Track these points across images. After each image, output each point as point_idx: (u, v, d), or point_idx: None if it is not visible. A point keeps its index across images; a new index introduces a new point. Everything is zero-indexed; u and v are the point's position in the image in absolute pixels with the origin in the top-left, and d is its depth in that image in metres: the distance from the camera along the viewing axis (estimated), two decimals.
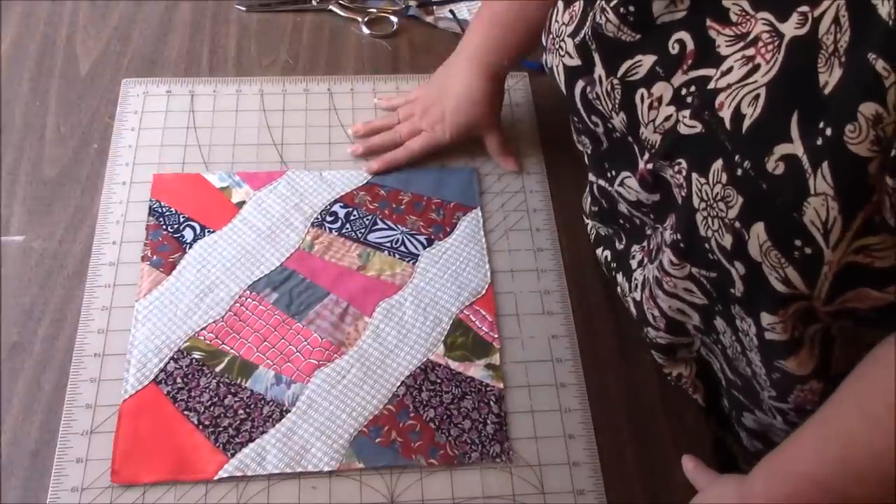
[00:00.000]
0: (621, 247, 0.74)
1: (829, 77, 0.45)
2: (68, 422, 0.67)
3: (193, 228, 0.77)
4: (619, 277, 0.74)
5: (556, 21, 0.65)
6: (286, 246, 0.77)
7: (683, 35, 0.55)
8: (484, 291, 0.76)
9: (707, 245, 0.54)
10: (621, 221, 0.72)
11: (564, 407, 0.71)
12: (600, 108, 0.62)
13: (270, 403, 0.68)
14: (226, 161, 0.82)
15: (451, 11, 0.97)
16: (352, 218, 0.79)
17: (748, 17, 0.51)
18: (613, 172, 0.67)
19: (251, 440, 0.66)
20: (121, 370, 0.69)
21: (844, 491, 0.50)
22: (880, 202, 0.43)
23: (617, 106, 0.60)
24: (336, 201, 0.80)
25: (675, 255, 0.59)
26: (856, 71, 0.43)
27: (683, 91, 0.55)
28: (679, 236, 0.58)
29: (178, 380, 0.69)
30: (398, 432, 0.68)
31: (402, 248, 0.78)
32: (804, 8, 0.47)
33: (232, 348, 0.71)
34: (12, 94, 0.86)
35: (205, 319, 0.72)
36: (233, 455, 0.66)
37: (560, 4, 0.64)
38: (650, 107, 0.57)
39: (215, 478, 0.65)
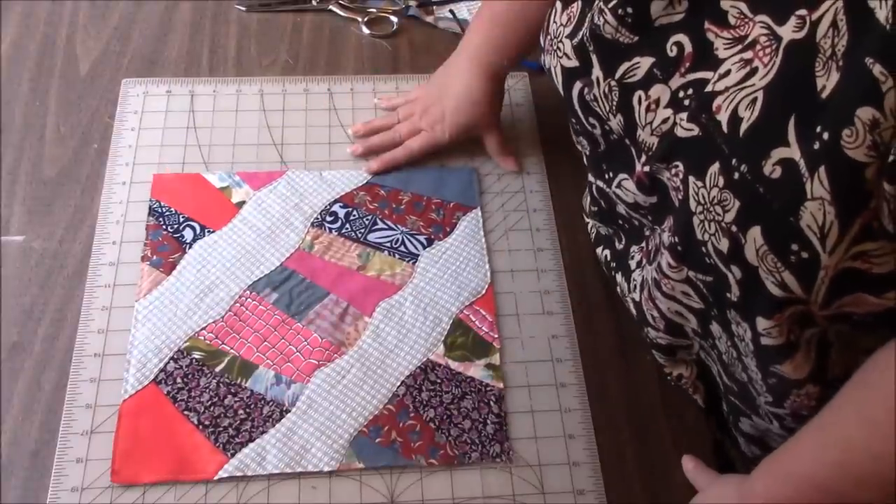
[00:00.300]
0: (621, 247, 0.74)
1: (827, 81, 0.45)
2: (68, 422, 0.67)
3: (193, 228, 0.77)
4: (619, 277, 0.74)
5: (554, 22, 0.65)
6: (286, 246, 0.77)
7: (681, 37, 0.55)
8: (484, 291, 0.76)
9: (704, 249, 0.54)
10: (620, 222, 0.72)
11: (564, 407, 0.71)
12: (598, 109, 0.62)
13: (270, 403, 0.68)
14: (226, 161, 0.82)
15: (451, 11, 0.97)
16: (352, 218, 0.79)
17: (746, 20, 0.51)
18: (611, 174, 0.67)
19: (251, 440, 0.66)
20: (121, 370, 0.69)
21: (844, 493, 0.50)
22: (878, 208, 0.43)
23: (614, 108, 0.60)
24: (336, 201, 0.80)
25: (672, 257, 0.59)
26: (853, 75, 0.43)
27: (681, 94, 0.55)
28: (677, 239, 0.58)
29: (178, 380, 0.69)
30: (398, 432, 0.68)
31: (402, 248, 0.78)
32: (802, 11, 0.47)
33: (232, 348, 0.71)
34: (12, 94, 0.86)
35: (205, 319, 0.72)
36: (233, 455, 0.66)
37: (558, 5, 0.64)
38: (647, 109, 0.57)
39: (215, 478, 0.65)
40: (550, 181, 0.84)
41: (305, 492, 0.65)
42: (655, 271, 0.63)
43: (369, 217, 0.80)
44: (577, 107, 0.65)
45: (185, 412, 0.67)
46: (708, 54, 0.53)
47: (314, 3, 0.97)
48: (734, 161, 0.49)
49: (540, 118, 0.89)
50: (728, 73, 0.51)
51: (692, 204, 0.53)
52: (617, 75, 0.59)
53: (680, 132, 0.55)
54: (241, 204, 0.79)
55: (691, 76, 0.54)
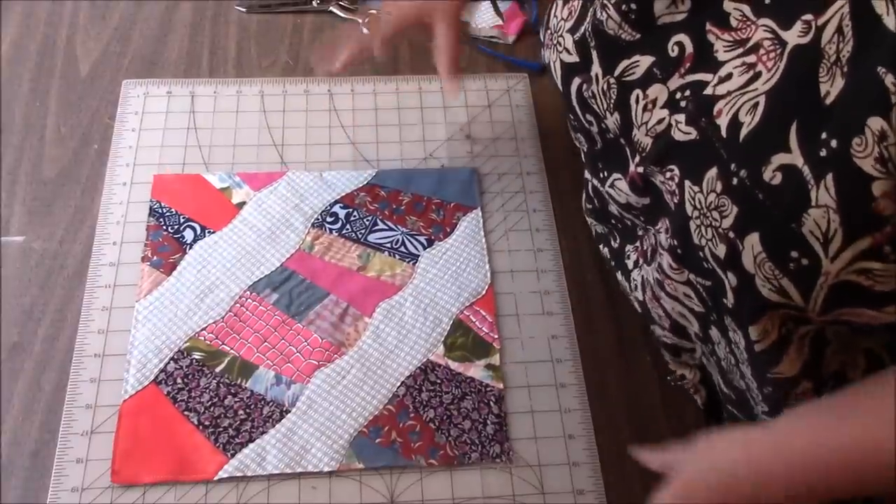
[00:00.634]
0: (616, 245, 0.74)
1: (831, 87, 0.44)
2: (68, 422, 0.67)
3: (194, 229, 0.77)
4: (619, 276, 0.74)
5: (555, 16, 0.64)
6: (286, 246, 0.77)
7: (683, 37, 0.55)
8: (484, 292, 0.76)
9: (701, 253, 0.53)
10: (613, 221, 0.72)
11: (564, 407, 0.71)
12: (595, 106, 0.62)
13: (270, 404, 0.68)
14: (226, 162, 0.82)
15: None
16: (352, 218, 0.79)
17: (749, 23, 0.51)
18: (605, 173, 0.66)
19: (251, 440, 0.66)
20: (121, 370, 0.69)
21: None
22: (894, 233, 0.42)
23: (612, 106, 0.60)
24: (336, 202, 0.80)
25: (673, 259, 0.59)
26: (861, 82, 0.43)
27: (678, 95, 0.55)
28: (676, 242, 0.57)
29: (179, 380, 0.69)
30: (398, 432, 0.68)
31: (403, 249, 0.78)
32: (808, 16, 0.46)
33: (232, 349, 0.71)
34: (12, 95, 0.86)
35: (205, 320, 0.72)
36: (233, 455, 0.66)
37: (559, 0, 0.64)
38: (644, 108, 0.57)
39: (215, 478, 0.65)
40: (550, 181, 0.84)
41: (305, 492, 0.65)
42: (657, 271, 0.63)
43: (369, 218, 0.80)
44: (575, 103, 0.65)
45: (186, 412, 0.67)
46: (708, 56, 0.53)
47: (314, 4, 0.97)
48: (733, 166, 0.49)
49: (540, 118, 0.89)
50: (730, 76, 0.51)
51: (688, 209, 0.53)
52: (616, 73, 0.58)
53: (677, 136, 0.54)
54: (241, 205, 0.79)
55: (690, 77, 0.54)
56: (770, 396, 0.57)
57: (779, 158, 0.46)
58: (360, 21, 0.95)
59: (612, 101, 0.59)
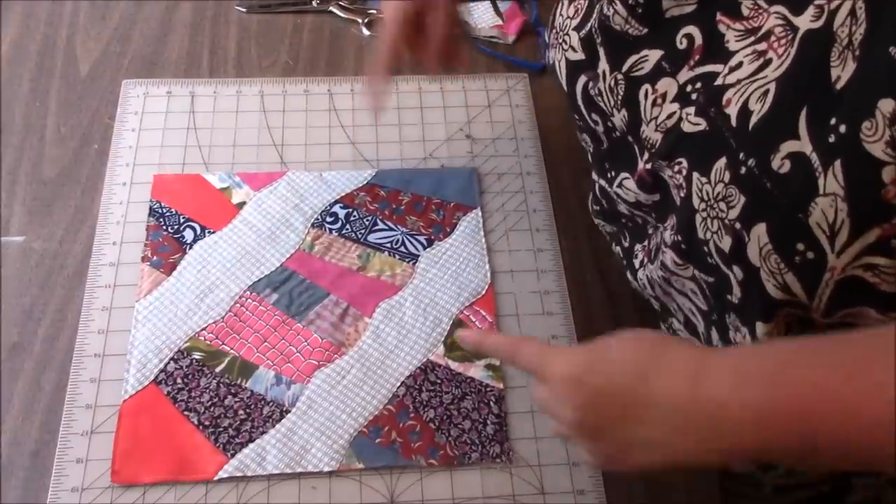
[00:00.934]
0: (626, 245, 0.74)
1: (842, 71, 0.43)
2: (68, 422, 0.67)
3: (194, 229, 0.77)
4: (628, 275, 0.74)
5: (560, 15, 0.64)
6: (286, 246, 0.77)
7: (692, 29, 0.54)
8: (484, 292, 0.76)
9: (705, 248, 0.53)
10: (623, 220, 0.72)
11: None
12: (602, 104, 0.62)
13: (270, 404, 0.68)
14: (226, 162, 0.82)
15: None
16: (352, 219, 0.79)
17: (761, 10, 0.50)
18: (613, 173, 0.66)
19: (251, 440, 0.66)
20: (121, 370, 0.69)
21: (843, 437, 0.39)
22: None
23: (619, 102, 0.59)
24: (336, 202, 0.80)
25: (677, 255, 0.58)
26: (873, 65, 0.42)
27: (689, 87, 0.54)
28: (680, 238, 0.57)
29: (179, 380, 0.69)
30: (398, 433, 0.68)
31: (402, 249, 0.78)
32: (821, 0, 0.46)
33: (232, 349, 0.71)
34: (12, 95, 0.86)
35: (205, 320, 0.72)
36: (233, 455, 0.66)
37: None
38: (653, 103, 0.56)
39: (215, 478, 0.65)
40: (550, 181, 0.84)
41: (305, 492, 0.65)
42: (660, 269, 0.62)
43: (369, 218, 0.80)
44: (580, 102, 0.64)
45: (186, 412, 0.67)
46: (718, 46, 0.52)
47: (314, 4, 0.97)
48: (742, 155, 0.48)
49: (540, 119, 0.89)
50: (740, 65, 0.50)
51: (695, 201, 0.52)
52: (624, 68, 0.58)
53: (686, 127, 0.53)
54: (241, 205, 0.79)
55: (700, 69, 0.53)
56: None
57: (788, 146, 0.45)
58: (360, 21, 0.96)
59: (620, 97, 0.59)
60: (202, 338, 0.71)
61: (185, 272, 0.74)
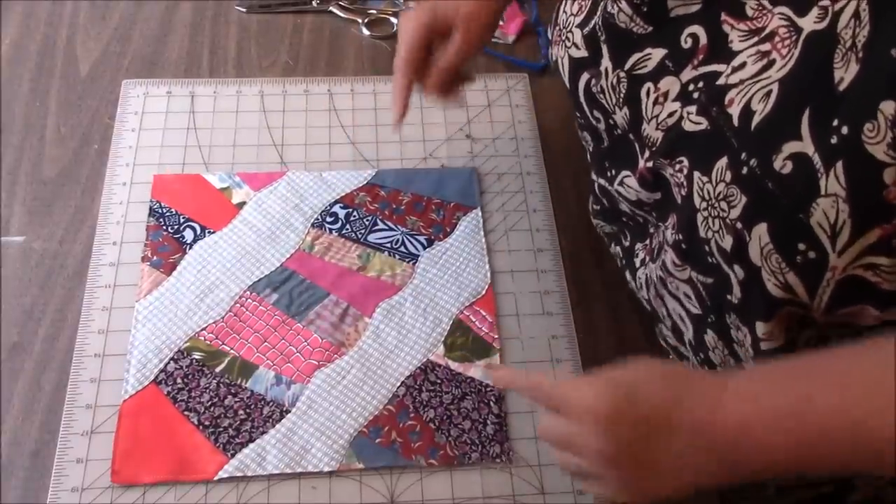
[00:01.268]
0: (626, 244, 0.74)
1: (845, 73, 0.44)
2: (68, 422, 0.67)
3: (194, 229, 0.77)
4: (627, 275, 0.74)
5: (564, 12, 0.64)
6: (286, 246, 0.77)
7: (697, 29, 0.54)
8: (484, 292, 0.76)
9: (706, 247, 0.53)
10: (624, 220, 0.72)
11: None
12: (604, 101, 0.62)
13: (270, 404, 0.68)
14: (226, 162, 0.82)
15: None
16: (352, 219, 0.79)
17: (765, 11, 0.50)
18: (613, 171, 0.66)
19: (251, 440, 0.66)
20: (121, 370, 0.69)
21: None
22: None
23: (621, 100, 0.59)
24: (336, 202, 0.80)
25: (677, 255, 0.58)
26: (875, 67, 0.42)
27: (691, 87, 0.54)
28: (681, 237, 0.57)
29: (179, 380, 0.69)
30: (398, 433, 0.68)
31: (402, 249, 0.78)
32: (825, 2, 0.46)
33: (232, 349, 0.71)
34: (12, 95, 0.86)
35: (205, 320, 0.72)
36: (233, 455, 0.66)
37: None
38: (655, 102, 0.56)
39: (215, 478, 0.65)
40: (550, 181, 0.84)
41: (305, 492, 0.65)
42: (660, 269, 0.62)
43: (369, 218, 0.80)
44: (582, 99, 0.64)
45: (186, 412, 0.67)
46: (722, 46, 0.52)
47: (314, 4, 0.97)
48: (743, 155, 0.48)
49: (540, 119, 0.89)
50: (743, 65, 0.50)
51: (696, 200, 0.52)
52: (627, 66, 0.58)
53: (688, 126, 0.53)
54: (241, 205, 0.79)
55: (703, 69, 0.53)
56: None
57: (790, 147, 0.45)
58: (360, 21, 0.96)
59: (622, 95, 0.59)
60: (202, 338, 0.71)
61: (185, 272, 0.74)
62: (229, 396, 0.68)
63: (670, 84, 0.55)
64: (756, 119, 0.48)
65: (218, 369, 0.70)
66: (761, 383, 0.46)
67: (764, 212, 0.47)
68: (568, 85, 0.65)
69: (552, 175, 0.85)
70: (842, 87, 0.44)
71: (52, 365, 0.70)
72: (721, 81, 0.52)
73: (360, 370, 0.71)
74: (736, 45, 0.51)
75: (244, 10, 0.96)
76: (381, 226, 0.79)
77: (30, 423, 0.67)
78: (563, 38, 0.63)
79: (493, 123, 0.88)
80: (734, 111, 0.50)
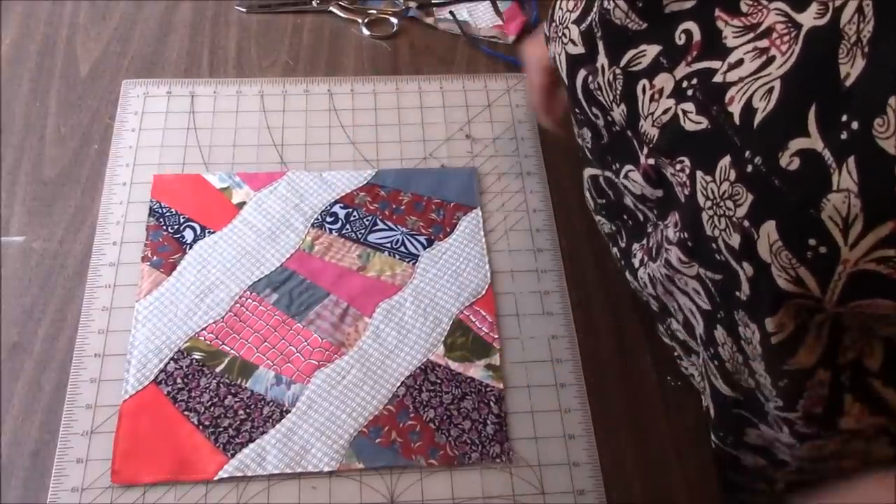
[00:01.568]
0: (623, 245, 0.74)
1: (851, 68, 0.43)
2: (68, 422, 0.67)
3: (194, 229, 0.77)
4: (627, 275, 0.74)
5: (560, 8, 0.64)
6: (286, 246, 0.77)
7: (691, 25, 0.54)
8: (484, 292, 0.76)
9: (714, 245, 0.52)
10: (624, 217, 0.72)
11: (564, 407, 0.71)
12: (601, 98, 0.62)
13: (270, 404, 0.68)
14: (226, 162, 0.82)
15: (451, 13, 0.97)
16: (352, 219, 0.79)
17: (760, 7, 0.50)
18: (617, 165, 0.66)
19: (251, 440, 0.66)
20: (121, 370, 0.69)
21: None
22: None
23: (618, 97, 0.59)
24: (336, 202, 0.80)
25: (683, 253, 0.58)
26: (883, 62, 0.42)
27: (685, 83, 0.54)
28: (686, 235, 0.56)
29: (179, 380, 0.69)
30: (398, 433, 0.68)
31: (403, 249, 0.78)
32: None
33: (232, 349, 0.71)
34: (12, 95, 0.86)
35: (205, 320, 0.72)
36: (233, 455, 0.66)
37: None
38: (651, 99, 0.56)
39: (215, 478, 0.65)
40: (550, 181, 0.84)
41: (305, 492, 0.65)
42: (665, 267, 0.62)
43: (369, 218, 0.80)
44: (580, 96, 0.64)
45: (186, 412, 0.67)
46: (715, 43, 0.52)
47: (314, 4, 0.97)
48: (747, 153, 0.48)
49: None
50: (741, 62, 0.50)
51: (700, 199, 0.52)
52: (622, 63, 0.58)
53: (688, 126, 0.53)
54: (241, 205, 0.79)
55: (697, 65, 0.53)
56: (785, 389, 0.56)
57: (797, 143, 0.45)
58: (360, 21, 0.96)
59: (619, 92, 0.59)
60: (202, 338, 0.71)
61: (185, 272, 0.74)
62: (229, 396, 0.68)
63: (665, 81, 0.55)
64: (758, 116, 0.48)
65: (218, 369, 0.70)
66: None
67: (771, 209, 0.47)
68: (566, 81, 0.65)
69: (552, 175, 0.85)
70: (848, 83, 0.43)
71: (52, 365, 0.70)
72: (718, 79, 0.51)
73: (360, 370, 0.71)
74: (730, 42, 0.51)
75: (244, 10, 0.96)
76: (381, 226, 0.79)
77: (30, 423, 0.67)
78: (560, 34, 0.63)
79: (493, 123, 0.88)
80: (735, 109, 0.49)
